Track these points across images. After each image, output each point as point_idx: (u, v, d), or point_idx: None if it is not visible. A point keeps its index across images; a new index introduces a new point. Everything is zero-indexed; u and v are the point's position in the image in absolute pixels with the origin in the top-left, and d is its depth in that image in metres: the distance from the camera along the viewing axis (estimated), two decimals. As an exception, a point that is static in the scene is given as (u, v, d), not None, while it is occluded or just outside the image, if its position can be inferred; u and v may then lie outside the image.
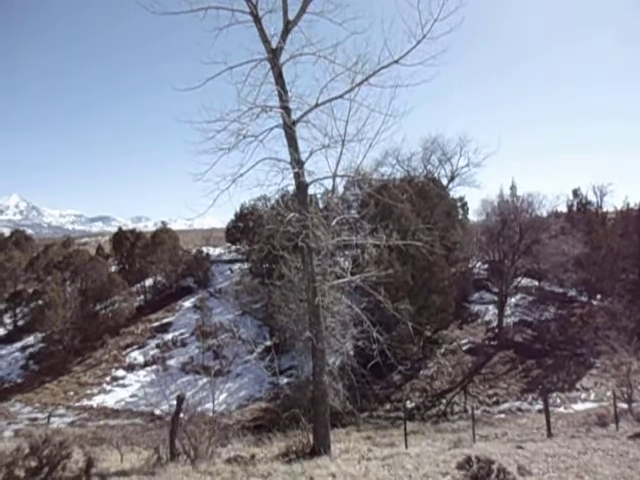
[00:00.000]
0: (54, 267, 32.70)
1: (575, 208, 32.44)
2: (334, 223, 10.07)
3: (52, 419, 20.37)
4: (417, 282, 22.63)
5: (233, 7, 8.61)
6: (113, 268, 37.43)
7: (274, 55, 8.86)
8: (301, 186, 9.31)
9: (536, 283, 30.26)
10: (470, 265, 30.73)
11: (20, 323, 32.97)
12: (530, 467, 8.29)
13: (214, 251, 44.07)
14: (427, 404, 20.01)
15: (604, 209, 32.90)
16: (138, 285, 36.01)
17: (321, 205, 14.70)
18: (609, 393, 18.04)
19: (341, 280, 10.38)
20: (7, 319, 33.66)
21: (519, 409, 19.09)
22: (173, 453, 9.74)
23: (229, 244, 42.77)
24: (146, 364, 26.99)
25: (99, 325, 29.67)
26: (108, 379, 25.90)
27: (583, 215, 30.68)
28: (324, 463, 8.92)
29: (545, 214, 26.80)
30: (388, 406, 20.16)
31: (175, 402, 10.34)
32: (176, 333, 30.10)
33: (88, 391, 24.83)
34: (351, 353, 14.04)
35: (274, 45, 8.92)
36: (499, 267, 25.18)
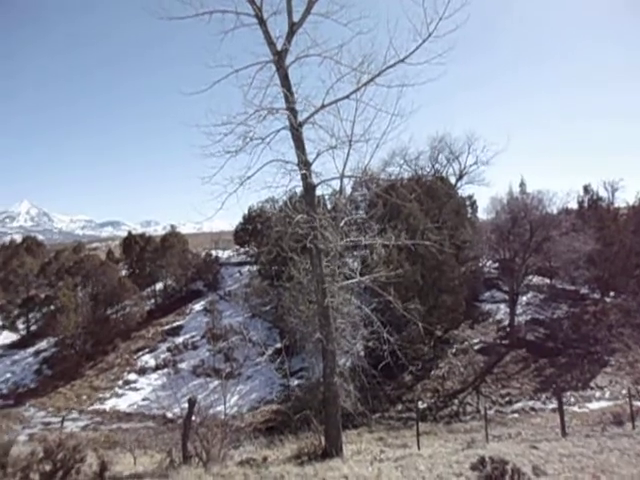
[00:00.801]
0: (65, 272, 32.99)
1: (586, 204, 32.05)
2: (342, 224, 10.04)
3: (65, 423, 20.53)
4: (427, 282, 22.51)
5: (238, 10, 8.64)
6: (123, 272, 37.70)
7: (279, 57, 8.86)
8: (309, 187, 9.30)
9: (547, 281, 29.96)
10: (480, 264, 30.50)
11: (33, 328, 33.30)
12: (545, 467, 8.19)
13: (223, 254, 44.22)
14: (439, 404, 19.88)
15: (616, 205, 32.51)
16: (148, 289, 36.22)
17: (329, 206, 14.68)
18: (624, 391, 17.80)
19: (350, 281, 10.35)
20: (20, 324, 34.00)
21: (532, 408, 18.90)
22: (185, 456, 9.76)
23: (238, 247, 42.87)
24: (157, 367, 27.15)
25: (110, 329, 29.89)
26: (120, 383, 26.07)
27: (594, 211, 30.32)
28: (336, 465, 8.89)
29: (555, 211, 26.52)
30: (400, 407, 20.06)
31: (187, 405, 10.38)
32: (187, 336, 30.23)
33: (101, 395, 25.02)
34: (362, 354, 13.99)
35: (279, 47, 8.93)
36: (510, 265, 24.97)
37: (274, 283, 25.74)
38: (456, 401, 19.97)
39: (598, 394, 19.47)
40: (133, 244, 39.97)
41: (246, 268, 38.54)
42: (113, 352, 29.27)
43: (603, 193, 32.56)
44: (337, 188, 10.50)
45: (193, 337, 29.96)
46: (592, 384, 20.19)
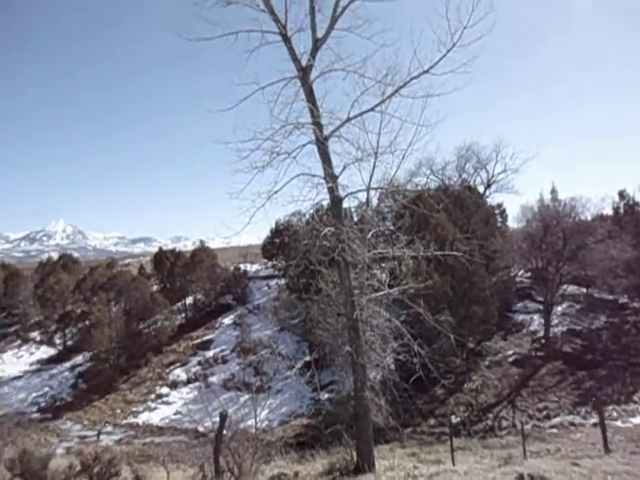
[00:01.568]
0: (99, 288, 33.90)
1: (622, 210, 31.00)
2: (369, 236, 10.00)
3: (101, 436, 20.92)
4: (457, 293, 22.12)
5: (263, 29, 8.83)
6: (155, 287, 38.46)
7: (304, 73, 8.98)
8: (335, 200, 9.32)
9: (584, 290, 29.01)
10: (512, 273, 29.81)
11: (69, 343, 34.21)
12: (588, 486, 7.85)
13: (251, 268, 44.59)
14: (473, 419, 19.37)
15: (654, 210, 31.32)
16: (179, 303, 36.79)
17: (355, 218, 14.67)
18: (670, 405, 16.97)
19: (379, 293, 10.26)
20: (57, 339, 35.01)
21: (572, 423, 18.19)
22: (217, 471, 9.78)
23: (265, 260, 43.16)
24: (189, 381, 27.42)
25: (143, 344, 30.43)
26: (153, 397, 26.42)
27: (631, 217, 29.27)
28: (369, 481, 8.75)
29: (590, 218, 25.77)
30: (432, 421, 19.63)
31: (218, 419, 10.42)
32: (217, 350, 30.48)
33: (134, 409, 25.40)
34: (392, 367, 13.80)
35: (304, 63, 9.05)
36: (543, 274, 24.31)
37: (302, 296, 25.79)
38: (491, 415, 19.43)
39: (642, 408, 18.63)
40: (164, 259, 40.82)
41: (274, 281, 38.76)
42: (146, 366, 29.75)
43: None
44: (363, 200, 10.50)
45: (223, 351, 30.19)
46: (635, 397, 19.33)
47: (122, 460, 9.15)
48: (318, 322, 13.80)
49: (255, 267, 45.19)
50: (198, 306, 37.30)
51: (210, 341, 32.01)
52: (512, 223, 33.05)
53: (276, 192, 8.94)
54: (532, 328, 26.31)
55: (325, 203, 10.32)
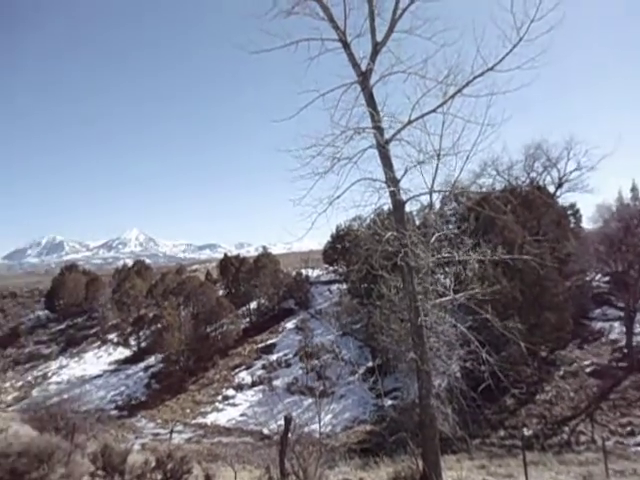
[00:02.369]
0: (170, 293, 35.62)
1: None
2: (433, 240, 9.77)
3: (172, 435, 21.87)
4: (527, 298, 21.07)
5: (323, 37, 8.92)
6: (220, 292, 39.86)
7: (364, 78, 8.97)
8: (397, 204, 9.19)
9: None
10: (588, 278, 27.96)
11: (143, 345, 36.22)
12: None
13: (312, 273, 45.05)
14: (546, 432, 18.31)
15: None
16: (243, 308, 37.86)
17: (417, 222, 14.40)
18: None
19: (444, 298, 9.99)
20: (132, 341, 37.20)
21: (660, 441, 16.72)
22: (283, 473, 9.89)
23: (327, 265, 43.46)
24: (253, 384, 28.09)
25: (210, 347, 31.59)
26: (220, 398, 27.32)
27: None
28: (436, 492, 8.49)
29: (677, 217, 23.67)
30: (502, 433, 18.78)
31: (282, 422, 10.56)
32: (280, 354, 31.02)
33: (202, 409, 26.38)
34: (458, 375, 13.36)
35: (364, 68, 9.04)
36: (624, 279, 22.60)
37: (364, 301, 25.64)
38: (566, 429, 18.28)
39: None
40: (229, 265, 42.23)
41: (335, 286, 38.91)
42: (213, 368, 30.84)
43: None
44: (425, 203, 10.27)
45: (286, 355, 30.66)
46: None
47: (193, 458, 9.49)
48: (381, 328, 13.63)
49: (316, 272, 45.61)
50: (262, 310, 38.19)
51: (273, 345, 32.64)
52: (587, 224, 31.06)
53: (337, 197, 8.95)
54: (612, 337, 24.49)
55: (386, 207, 10.20)
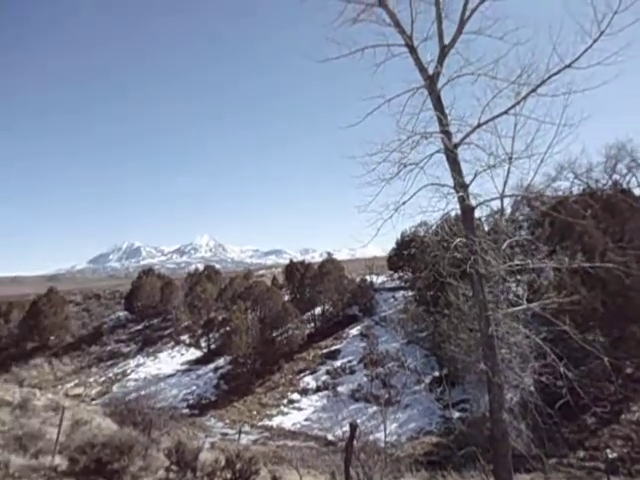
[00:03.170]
0: (238, 297, 36.83)
1: None
2: (504, 246, 9.36)
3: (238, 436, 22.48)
4: (609, 310, 19.58)
5: (389, 43, 8.88)
6: (286, 297, 40.57)
7: (431, 81, 8.81)
8: (466, 210, 8.91)
9: None
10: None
11: (213, 346, 37.66)
12: None
13: (377, 279, 44.71)
14: (634, 456, 16.81)
15: None
16: (308, 313, 38.28)
17: (486, 228, 13.89)
18: None
19: (517, 308, 9.51)
20: (203, 343, 38.79)
21: None
22: (348, 480, 9.85)
23: (391, 272, 42.97)
24: (318, 389, 28.26)
25: (275, 351, 32.24)
26: (285, 402, 27.75)
27: None
28: (509, 512, 8.07)
29: None
30: (582, 453, 17.50)
31: (346, 429, 10.53)
32: (344, 360, 31.00)
33: (268, 412, 26.92)
34: (532, 389, 12.67)
35: (431, 72, 8.88)
36: None
37: (430, 309, 25.04)
38: (658, 454, 16.70)
39: None
40: (294, 271, 42.94)
41: (400, 293, 38.36)
42: (278, 372, 31.43)
43: None
44: (496, 209, 9.88)
45: (350, 362, 30.59)
46: None
47: (259, 460, 9.70)
48: (448, 336, 13.26)
49: (381, 279, 45.22)
50: (326, 316, 38.40)
51: (338, 351, 32.69)
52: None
53: (404, 203, 8.84)
54: None
55: (453, 213, 9.92)
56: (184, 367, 36.67)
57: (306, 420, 25.19)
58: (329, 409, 24.75)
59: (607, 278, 17.56)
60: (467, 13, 8.67)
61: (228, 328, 32.86)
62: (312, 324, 37.79)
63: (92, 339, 44.94)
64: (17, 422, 11.13)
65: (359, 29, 9.10)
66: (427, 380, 25.64)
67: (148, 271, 54.21)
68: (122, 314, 49.89)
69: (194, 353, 38.67)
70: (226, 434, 23.92)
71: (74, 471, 7.36)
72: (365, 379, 27.64)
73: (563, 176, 29.97)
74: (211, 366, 35.39)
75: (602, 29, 7.65)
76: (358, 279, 41.85)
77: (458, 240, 8.64)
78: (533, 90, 8.47)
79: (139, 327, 46.87)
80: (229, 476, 7.96)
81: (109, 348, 42.92)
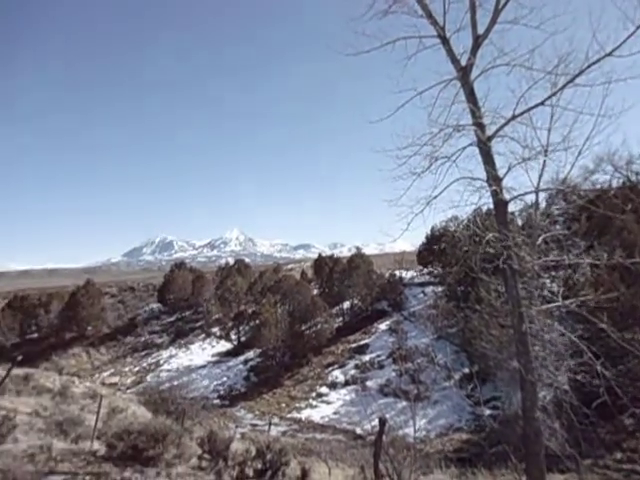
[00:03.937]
0: (267, 291, 37.24)
1: None
2: (539, 241, 9.13)
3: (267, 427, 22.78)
4: (650, 307, 18.85)
5: (421, 34, 8.75)
6: (315, 291, 40.75)
7: (464, 73, 8.63)
8: (499, 204, 8.71)
9: None
10: None
11: (242, 339, 38.24)
12: None
13: (406, 274, 44.35)
14: (675, 459, 16.22)
15: None
16: (337, 307, 38.36)
17: (519, 222, 13.57)
18: None
19: (551, 304, 9.28)
20: (233, 335, 39.43)
21: None
22: (377, 475, 9.87)
23: (420, 267, 42.55)
24: (346, 383, 28.33)
25: (304, 344, 32.47)
26: (314, 395, 27.95)
27: None
28: (542, 512, 7.92)
29: None
30: (619, 455, 16.97)
31: (375, 423, 10.54)
32: (373, 355, 30.95)
33: (297, 405, 27.19)
34: (566, 388, 12.36)
35: (464, 63, 8.70)
36: None
37: (461, 304, 24.70)
38: (700, 458, 16.05)
39: None
40: (323, 265, 43.07)
41: (430, 288, 37.94)
42: (307, 365, 31.66)
43: None
44: (530, 203, 9.63)
45: (379, 356, 30.52)
46: None
47: (289, 452, 9.82)
48: (480, 333, 13.03)
49: (410, 273, 44.83)
50: (355, 311, 38.40)
51: (366, 345, 32.65)
52: None
53: (435, 197, 8.71)
54: None
55: (485, 207, 9.73)
56: (215, 359, 37.39)
57: (335, 414, 25.31)
58: (357, 403, 24.82)
59: (648, 275, 16.88)
60: (502, 2, 8.44)
61: (258, 321, 33.29)
62: (341, 318, 37.86)
63: (127, 330, 46.34)
64: (57, 408, 11.62)
65: (390, 21, 8.99)
66: (457, 376, 25.34)
67: (180, 264, 55.39)
68: (155, 306, 51.21)
69: (224, 345, 39.36)
70: (256, 425, 24.29)
71: (112, 456, 7.63)
72: (394, 374, 27.54)
73: (602, 169, 28.90)
74: (241, 358, 35.96)
75: (646, 15, 7.32)
76: (387, 274, 41.61)
77: (490, 235, 8.48)
78: (571, 80, 8.19)
79: (171, 319, 48.03)
80: (260, 466, 8.09)
81: (143, 339, 44.16)
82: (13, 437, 8.11)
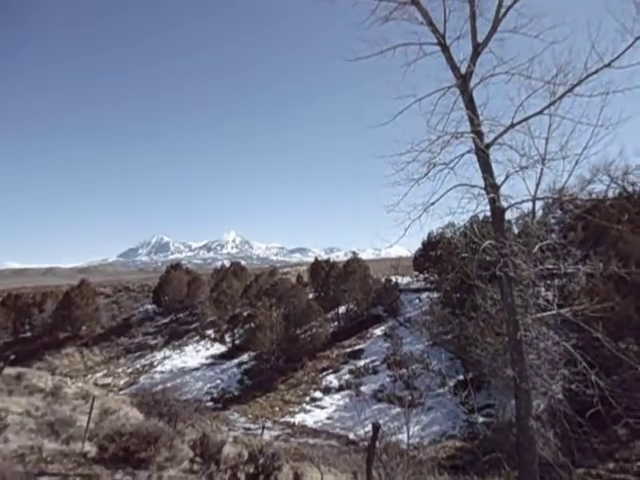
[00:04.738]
0: (263, 294, 37.16)
1: None
2: (535, 250, 9.17)
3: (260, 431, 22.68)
4: (645, 318, 18.91)
5: (421, 41, 8.81)
6: (310, 295, 40.70)
7: (464, 80, 8.69)
8: (497, 212, 8.76)
9: None
10: None
11: (237, 342, 38.11)
12: None
13: (402, 280, 44.38)
14: (668, 470, 16.21)
15: None
16: (332, 312, 38.30)
17: (516, 230, 13.61)
18: None
19: (547, 313, 9.30)
20: (227, 338, 39.31)
21: None
22: (369, 481, 9.82)
23: (417, 273, 42.58)
24: (340, 388, 28.24)
25: (299, 348, 32.37)
26: (307, 399, 27.84)
27: None
28: (534, 521, 7.90)
29: None
30: (612, 465, 16.95)
31: (369, 429, 10.48)
32: (367, 360, 30.88)
33: (290, 409, 27.07)
34: (560, 397, 12.37)
35: (463, 71, 8.76)
36: None
37: (456, 311, 24.73)
38: (693, 469, 16.04)
39: None
40: (319, 269, 43.04)
41: (425, 295, 37.97)
42: (301, 370, 31.54)
43: None
44: (527, 211, 9.68)
45: (373, 362, 30.46)
46: None
47: (282, 456, 9.77)
48: (475, 340, 13.05)
49: (406, 279, 44.86)
50: (350, 315, 38.35)
51: (361, 351, 32.59)
52: None
53: (433, 204, 8.76)
54: None
55: (482, 215, 9.77)
56: (209, 361, 37.23)
57: (328, 418, 25.21)
58: (351, 408, 24.73)
59: (643, 285, 16.96)
60: (502, 11, 8.52)
61: (253, 324, 33.18)
62: (336, 323, 37.80)
63: (121, 331, 46.10)
64: (49, 408, 11.52)
65: (390, 28, 9.05)
66: (451, 383, 25.30)
67: (176, 266, 55.21)
68: (150, 307, 50.98)
69: (219, 348, 39.21)
70: (248, 429, 24.15)
71: (103, 458, 7.57)
72: (388, 380, 27.47)
73: (598, 179, 28.97)
74: (235, 361, 35.82)
75: (644, 27, 7.39)
76: (383, 279, 41.62)
77: (487, 242, 8.52)
78: (569, 90, 8.26)
79: (166, 320, 47.83)
80: (252, 470, 8.04)
81: (137, 340, 43.93)
82: (4, 437, 8.04)
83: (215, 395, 30.89)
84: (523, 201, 9.05)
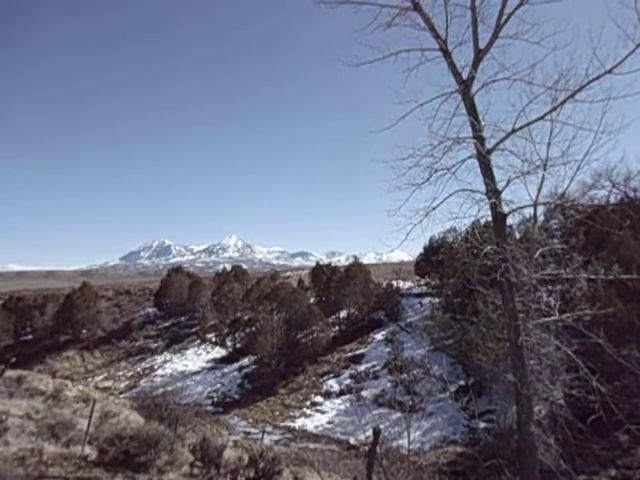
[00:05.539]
0: (264, 298, 37.14)
1: None
2: (537, 255, 9.16)
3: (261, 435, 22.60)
4: (647, 324, 18.86)
5: (423, 47, 8.86)
6: (312, 300, 40.66)
7: (465, 86, 8.73)
8: (498, 217, 8.76)
9: None
10: None
11: (238, 346, 38.04)
12: None
13: (403, 284, 44.32)
14: (670, 477, 16.12)
15: None
16: (333, 316, 38.23)
17: (517, 236, 13.61)
18: None
19: (548, 318, 9.29)
20: (228, 342, 39.24)
21: None
22: (370, 486, 9.78)
23: (418, 277, 42.53)
24: (341, 393, 28.17)
25: (300, 352, 32.32)
26: (308, 404, 27.77)
27: None
28: (535, 527, 7.86)
29: None
30: (613, 472, 16.86)
31: (369, 434, 10.45)
32: (368, 365, 30.82)
33: (291, 413, 27.00)
34: (562, 403, 12.32)
35: (465, 76, 8.80)
36: None
37: (457, 316, 24.70)
38: (695, 476, 15.94)
39: None
40: (320, 273, 43.03)
41: (426, 299, 37.90)
42: (302, 374, 31.48)
43: None
44: (528, 216, 9.69)
45: (374, 366, 30.39)
46: None
47: (282, 460, 9.75)
48: (476, 345, 13.03)
49: (407, 284, 44.80)
50: (351, 320, 38.28)
51: (362, 355, 32.53)
52: None
53: (434, 209, 8.77)
54: None
55: (484, 220, 9.79)
56: (209, 365, 37.17)
57: (329, 423, 25.15)
58: (352, 413, 24.66)
59: (645, 291, 16.92)
60: (503, 18, 8.56)
61: (254, 328, 33.13)
62: (337, 327, 37.73)
63: (122, 334, 46.07)
64: (50, 411, 11.52)
65: (392, 33, 9.11)
66: (452, 389, 25.21)
67: (177, 269, 55.24)
68: (151, 310, 50.98)
69: (220, 352, 39.15)
70: (249, 433, 24.10)
71: (103, 461, 7.57)
72: (389, 385, 27.41)
73: (600, 184, 28.91)
74: (236, 365, 35.75)
75: (646, 33, 7.42)
76: (384, 284, 41.56)
77: (488, 247, 8.52)
78: (571, 96, 8.28)
79: (167, 324, 47.81)
80: (252, 475, 8.03)
81: (138, 343, 43.89)
82: (4, 440, 8.04)
83: (216, 399, 30.82)
84: (524, 206, 9.07)
